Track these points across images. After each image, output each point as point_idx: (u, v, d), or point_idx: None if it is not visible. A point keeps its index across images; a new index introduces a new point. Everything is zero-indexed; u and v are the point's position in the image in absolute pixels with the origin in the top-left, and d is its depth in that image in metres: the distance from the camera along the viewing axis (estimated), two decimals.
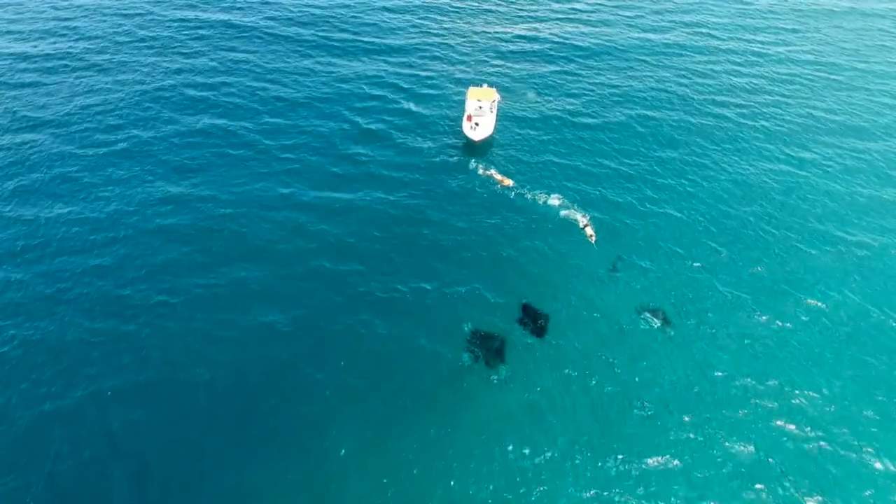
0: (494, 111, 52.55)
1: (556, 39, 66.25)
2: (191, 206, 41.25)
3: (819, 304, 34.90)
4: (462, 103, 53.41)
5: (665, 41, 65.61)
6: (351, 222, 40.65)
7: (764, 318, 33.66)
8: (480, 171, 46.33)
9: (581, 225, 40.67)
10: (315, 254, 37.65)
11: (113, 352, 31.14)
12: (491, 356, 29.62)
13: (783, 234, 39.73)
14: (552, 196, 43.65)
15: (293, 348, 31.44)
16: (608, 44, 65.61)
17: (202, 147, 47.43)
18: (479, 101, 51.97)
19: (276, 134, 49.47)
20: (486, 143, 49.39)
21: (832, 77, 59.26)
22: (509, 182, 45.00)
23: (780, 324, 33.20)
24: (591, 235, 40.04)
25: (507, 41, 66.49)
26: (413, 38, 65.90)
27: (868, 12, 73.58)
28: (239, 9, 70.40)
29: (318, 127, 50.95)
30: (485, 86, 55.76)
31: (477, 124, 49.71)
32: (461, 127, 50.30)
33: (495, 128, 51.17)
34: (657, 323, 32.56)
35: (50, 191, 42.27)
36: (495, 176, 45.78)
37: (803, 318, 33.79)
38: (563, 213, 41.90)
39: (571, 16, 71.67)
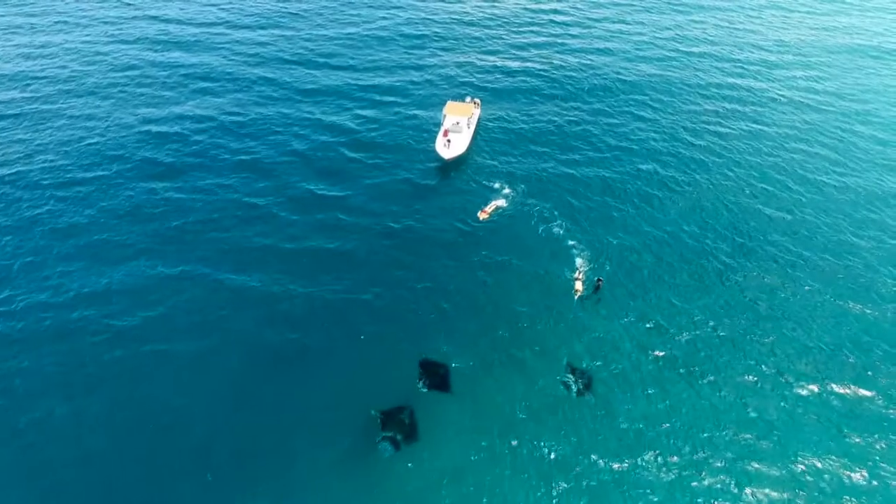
0: (472, 127, 47.99)
1: (542, 64, 59.53)
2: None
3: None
4: (439, 118, 48.03)
5: (658, 72, 58.22)
6: (289, 266, 35.49)
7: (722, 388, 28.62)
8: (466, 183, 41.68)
9: (575, 274, 34.42)
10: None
11: None
12: (405, 430, 25.77)
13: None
14: (531, 222, 38.07)
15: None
16: (593, 71, 58.48)
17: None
18: (457, 116, 47.97)
19: (241, 173, 42.75)
20: (460, 162, 45.06)
21: (835, 112, 51.71)
22: (486, 214, 39.08)
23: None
24: (577, 290, 33.27)
25: (491, 63, 61.69)
26: (391, 60, 60.42)
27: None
28: (205, 47, 63.17)
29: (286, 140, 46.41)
30: (468, 98, 50.98)
31: (449, 141, 44.95)
32: (434, 143, 46.23)
33: (471, 145, 47.15)
34: (577, 386, 28.46)
35: None
36: (489, 208, 39.60)
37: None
38: (537, 237, 36.30)
39: (559, 41, 65.28)
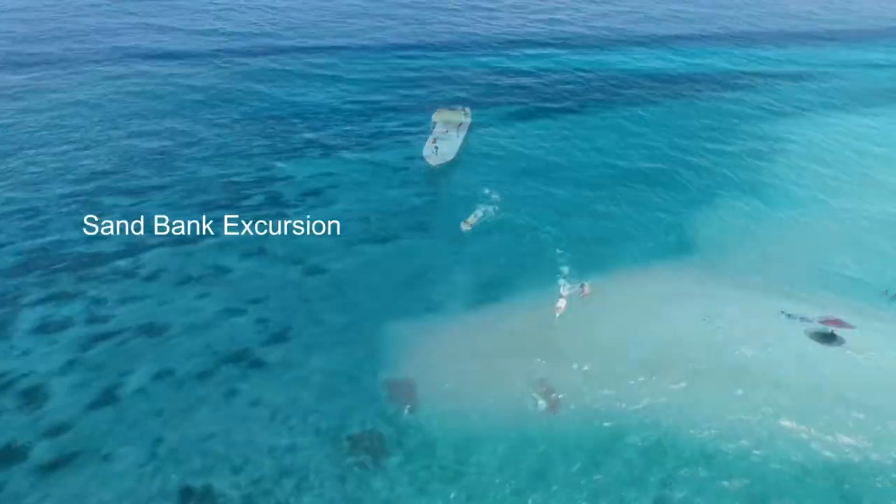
0: (462, 135, 46.69)
1: (536, 76, 58.81)
2: None
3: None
4: (427, 128, 46.95)
5: (654, 84, 57.34)
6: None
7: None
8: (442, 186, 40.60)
9: (559, 290, 32.50)
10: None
11: None
12: (374, 454, 24.37)
13: None
14: (515, 235, 36.65)
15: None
16: (587, 83, 57.57)
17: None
18: (446, 123, 47.03)
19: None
20: (447, 170, 42.86)
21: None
22: (469, 225, 37.44)
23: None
24: (559, 308, 31.37)
25: (483, 75, 59.96)
26: (382, 70, 59.45)
27: None
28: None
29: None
30: (459, 107, 49.74)
31: (437, 147, 43.68)
32: (422, 150, 43.88)
33: (459, 153, 44.43)
34: (543, 405, 26.83)
35: None
36: (472, 219, 37.95)
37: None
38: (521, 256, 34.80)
39: (555, 51, 64.62)
